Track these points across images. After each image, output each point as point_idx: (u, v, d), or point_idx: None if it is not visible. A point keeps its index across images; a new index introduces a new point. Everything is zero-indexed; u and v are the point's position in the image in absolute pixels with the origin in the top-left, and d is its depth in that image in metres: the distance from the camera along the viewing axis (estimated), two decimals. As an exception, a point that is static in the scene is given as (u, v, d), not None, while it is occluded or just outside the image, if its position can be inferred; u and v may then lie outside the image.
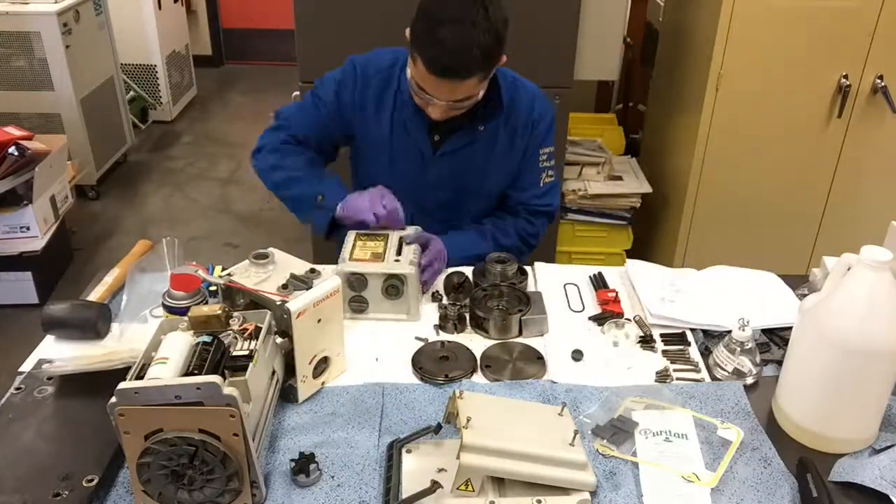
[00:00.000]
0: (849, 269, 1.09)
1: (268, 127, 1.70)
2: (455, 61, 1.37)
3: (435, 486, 0.99)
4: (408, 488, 1.02)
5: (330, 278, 1.21)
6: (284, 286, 1.17)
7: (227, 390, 0.92)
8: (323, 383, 1.24)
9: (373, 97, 1.62)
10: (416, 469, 1.06)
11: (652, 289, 1.49)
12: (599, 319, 1.43)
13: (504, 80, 1.58)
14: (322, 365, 1.23)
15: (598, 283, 1.56)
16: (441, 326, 1.41)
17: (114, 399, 0.92)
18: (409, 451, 1.09)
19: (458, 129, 1.59)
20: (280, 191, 1.65)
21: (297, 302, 1.13)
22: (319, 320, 1.17)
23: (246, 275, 1.21)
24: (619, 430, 1.14)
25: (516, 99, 1.62)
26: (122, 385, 0.93)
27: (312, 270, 1.22)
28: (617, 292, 1.50)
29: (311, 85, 1.71)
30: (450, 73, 1.39)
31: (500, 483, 1.02)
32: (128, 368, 1.16)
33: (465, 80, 1.40)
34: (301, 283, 1.18)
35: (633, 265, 1.59)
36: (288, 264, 1.24)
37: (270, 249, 1.25)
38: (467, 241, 1.66)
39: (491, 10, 1.38)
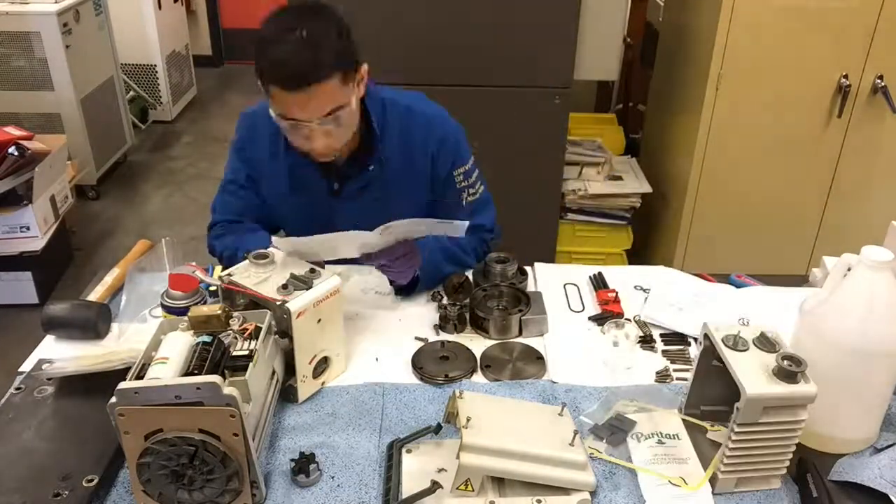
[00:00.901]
0: (849, 269, 1.09)
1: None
2: (299, 61, 1.26)
3: (435, 486, 0.99)
4: (408, 488, 1.02)
5: (330, 278, 1.20)
6: (285, 286, 1.16)
7: (227, 390, 0.93)
8: (323, 383, 1.24)
9: (267, 149, 1.54)
10: (416, 469, 1.06)
11: (666, 292, 1.48)
12: (599, 319, 1.43)
13: (394, 108, 1.51)
14: (322, 365, 1.23)
15: (598, 283, 1.56)
16: (441, 326, 1.41)
17: (114, 399, 0.92)
18: (409, 451, 1.09)
19: (352, 178, 1.53)
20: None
21: (296, 302, 1.13)
22: (319, 320, 1.17)
23: (246, 275, 1.20)
24: (616, 430, 1.14)
25: (411, 127, 1.52)
26: (121, 385, 0.93)
27: (312, 270, 1.21)
28: (617, 292, 1.50)
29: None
30: (299, 77, 1.26)
31: (500, 483, 1.02)
32: (127, 369, 1.17)
33: (320, 82, 1.27)
34: (301, 282, 1.17)
35: (668, 272, 1.58)
36: (288, 264, 1.23)
37: (270, 249, 1.25)
38: (437, 244, 1.53)
39: (324, 15, 1.32)
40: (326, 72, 1.28)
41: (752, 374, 1.00)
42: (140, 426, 0.94)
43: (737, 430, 1.00)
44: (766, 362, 1.02)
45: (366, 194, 1.55)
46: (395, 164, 1.53)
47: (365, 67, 1.39)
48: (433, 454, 1.08)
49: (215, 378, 0.92)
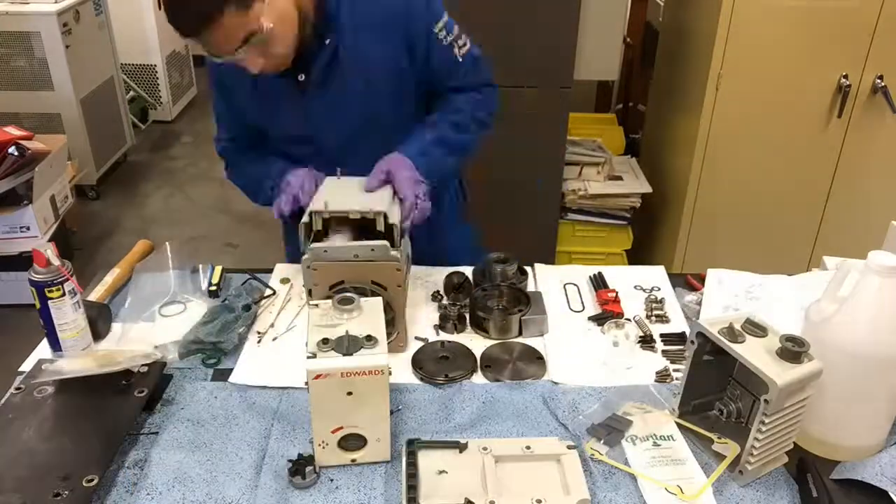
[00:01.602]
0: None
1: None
2: (180, 7, 1.20)
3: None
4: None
5: (378, 355, 1.04)
6: (325, 341, 1.05)
7: (393, 252, 1.23)
8: (353, 460, 1.09)
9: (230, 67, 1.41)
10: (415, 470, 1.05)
11: (717, 295, 1.47)
12: (599, 319, 1.43)
13: None
14: (354, 442, 1.08)
15: (598, 283, 1.56)
16: (441, 326, 1.41)
17: (306, 255, 1.23)
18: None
19: (310, 56, 1.40)
20: (257, 202, 1.57)
21: (318, 364, 1.02)
22: (350, 393, 1.03)
23: (323, 315, 1.13)
24: (613, 430, 1.14)
25: None
26: (313, 245, 1.23)
27: (370, 338, 1.06)
28: (617, 292, 1.50)
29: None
30: (187, 27, 1.21)
31: (501, 483, 1.02)
32: (126, 372, 1.17)
33: (214, 21, 1.19)
34: (343, 345, 1.05)
35: (714, 273, 1.54)
36: (369, 317, 1.12)
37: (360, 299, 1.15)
38: (416, 137, 1.46)
39: None
40: (217, 10, 1.18)
41: (767, 364, 1.00)
42: (326, 279, 1.24)
43: (767, 421, 1.01)
44: (767, 347, 1.03)
45: (335, 75, 1.42)
46: (361, 33, 1.40)
47: None
48: (433, 455, 1.08)
49: (385, 242, 1.23)
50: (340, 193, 1.33)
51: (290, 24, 1.30)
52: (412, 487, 1.00)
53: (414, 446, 1.07)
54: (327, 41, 1.39)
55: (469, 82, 1.52)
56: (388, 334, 1.10)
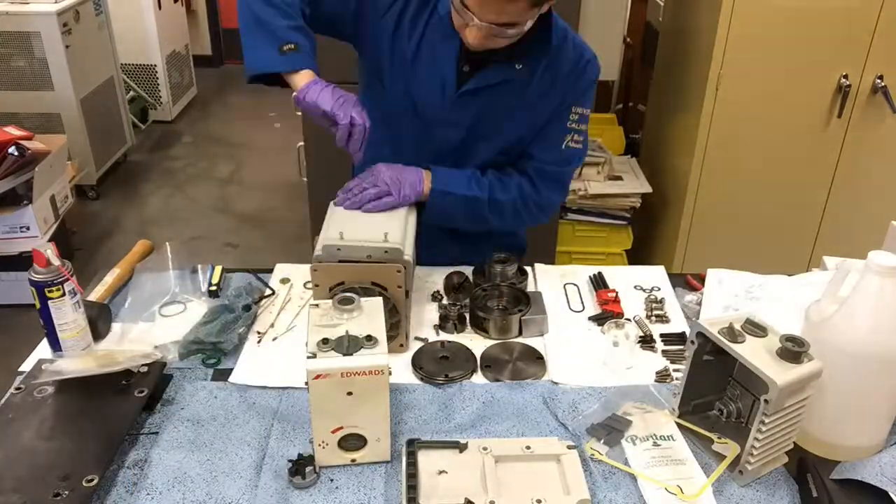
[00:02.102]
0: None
1: None
2: None
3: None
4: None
5: (378, 355, 1.04)
6: (325, 341, 1.05)
7: (406, 256, 1.23)
8: (353, 460, 1.09)
9: (409, 12, 1.40)
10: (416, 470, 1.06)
11: (716, 295, 1.47)
12: (599, 319, 1.43)
13: (556, 25, 1.40)
14: (354, 442, 1.08)
15: (598, 283, 1.56)
16: (441, 326, 1.41)
17: (318, 252, 1.22)
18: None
19: (492, 63, 1.40)
20: (246, 20, 1.36)
21: (318, 363, 1.02)
22: (350, 393, 1.04)
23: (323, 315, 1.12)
24: (613, 430, 1.14)
25: (564, 46, 1.42)
26: (325, 241, 1.23)
27: (370, 338, 1.06)
28: (617, 292, 1.50)
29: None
30: None
31: (501, 483, 1.02)
32: (126, 372, 1.17)
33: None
34: (343, 345, 1.05)
35: (715, 273, 1.54)
36: (369, 316, 1.11)
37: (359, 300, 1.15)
38: (461, 177, 1.47)
39: None
40: None
41: (768, 364, 1.01)
42: (328, 279, 1.23)
43: (767, 421, 1.01)
44: (767, 347, 1.03)
45: (491, 91, 1.42)
46: (538, 74, 1.42)
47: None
48: (433, 454, 1.08)
49: (399, 244, 1.24)
50: (351, 220, 1.32)
51: (523, 33, 1.30)
52: (412, 487, 1.00)
53: (414, 446, 1.07)
54: (518, 66, 1.39)
55: (548, 166, 1.50)
56: (392, 337, 1.10)
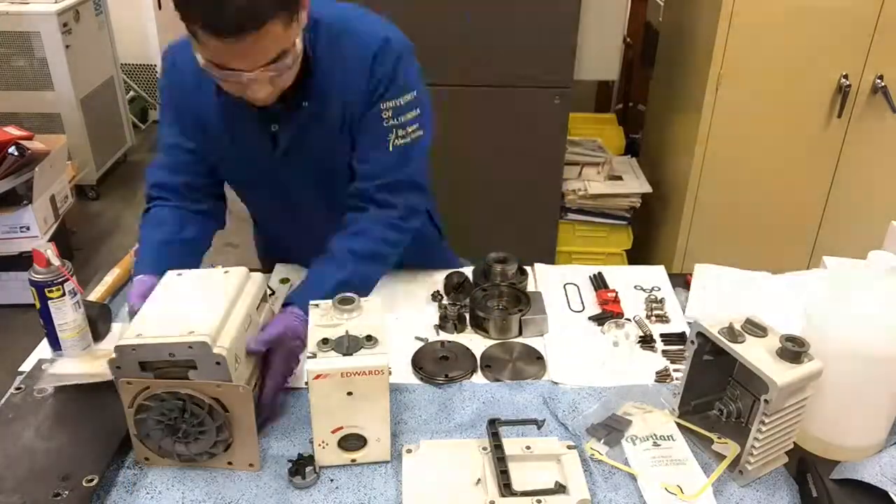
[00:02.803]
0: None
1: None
2: (235, 5, 1.03)
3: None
4: (407, 490, 1.02)
5: (379, 355, 1.04)
6: (325, 341, 1.05)
7: (216, 350, 1.00)
8: (353, 460, 1.09)
9: (192, 91, 1.31)
10: (416, 470, 1.06)
11: (705, 290, 1.48)
12: (599, 319, 1.43)
13: (325, 30, 1.26)
14: (354, 442, 1.08)
15: (598, 283, 1.56)
16: (441, 326, 1.41)
17: (114, 356, 1.01)
18: (409, 452, 1.08)
19: (288, 111, 1.29)
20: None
21: (318, 364, 1.02)
22: (350, 393, 1.03)
23: (323, 314, 1.11)
24: (613, 430, 1.14)
25: (341, 47, 1.27)
26: (120, 342, 1.01)
27: (370, 338, 1.06)
28: (617, 292, 1.50)
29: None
30: (236, 25, 1.04)
31: (500, 483, 1.02)
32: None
33: (259, 29, 1.06)
34: (343, 345, 1.04)
35: (702, 269, 1.56)
36: (368, 317, 1.09)
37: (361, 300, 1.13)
38: (321, 276, 1.29)
39: None
40: (268, 15, 1.06)
41: (768, 364, 1.01)
42: (132, 384, 1.02)
43: (767, 421, 1.01)
44: (767, 347, 1.03)
45: (304, 140, 1.32)
46: (330, 96, 1.29)
47: (306, 2, 1.16)
48: (433, 455, 1.08)
49: (206, 338, 1.00)
50: (167, 312, 1.09)
51: (300, 54, 1.18)
52: (504, 473, 1.01)
53: (496, 426, 1.08)
54: (305, 104, 1.28)
55: (384, 179, 1.33)
56: (225, 443, 1.02)
